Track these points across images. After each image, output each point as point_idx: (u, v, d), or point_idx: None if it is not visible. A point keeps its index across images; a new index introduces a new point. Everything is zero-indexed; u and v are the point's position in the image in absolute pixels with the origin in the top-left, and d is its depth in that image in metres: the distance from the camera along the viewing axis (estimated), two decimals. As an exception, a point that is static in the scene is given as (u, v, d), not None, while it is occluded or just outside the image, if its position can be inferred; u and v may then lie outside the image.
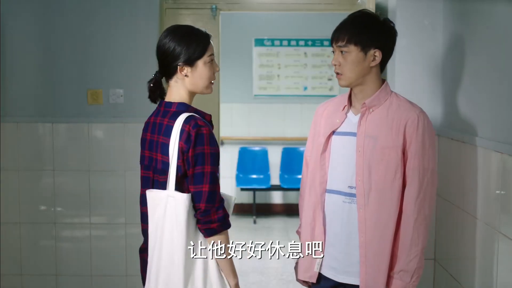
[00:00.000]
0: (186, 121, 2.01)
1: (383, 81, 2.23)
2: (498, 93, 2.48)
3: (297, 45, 6.83)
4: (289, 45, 6.85)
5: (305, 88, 6.85)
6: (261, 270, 4.00)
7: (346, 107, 2.23)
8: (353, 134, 2.16)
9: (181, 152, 2.01)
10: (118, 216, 3.76)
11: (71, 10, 3.68)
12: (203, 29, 2.15)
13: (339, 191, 2.20)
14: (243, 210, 6.92)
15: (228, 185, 6.86)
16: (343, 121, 2.21)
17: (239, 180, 6.82)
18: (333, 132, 2.22)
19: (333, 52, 2.20)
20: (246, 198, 6.94)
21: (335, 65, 2.18)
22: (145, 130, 2.22)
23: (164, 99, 2.19)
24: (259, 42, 6.83)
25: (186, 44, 2.08)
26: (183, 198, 1.99)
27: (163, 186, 2.07)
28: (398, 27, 3.24)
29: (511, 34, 2.35)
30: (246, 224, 6.46)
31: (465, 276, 2.82)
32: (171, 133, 2.03)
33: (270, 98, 6.95)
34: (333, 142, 2.22)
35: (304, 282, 2.33)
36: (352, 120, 2.21)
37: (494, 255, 2.46)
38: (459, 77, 2.98)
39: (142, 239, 3.94)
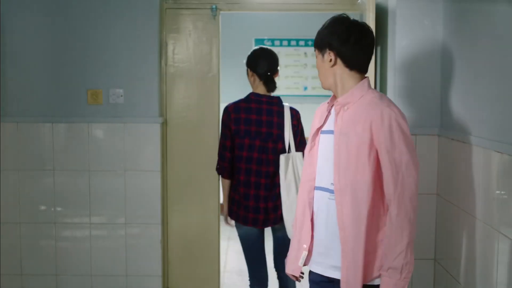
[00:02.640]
0: (291, 108, 3.20)
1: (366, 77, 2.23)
2: (498, 93, 2.48)
3: (297, 45, 6.83)
4: (289, 45, 6.85)
5: (305, 88, 6.86)
6: (261, 270, 4.05)
7: (330, 107, 2.26)
8: (333, 132, 2.18)
9: (293, 127, 3.16)
10: (118, 216, 3.76)
11: (72, 11, 3.68)
12: None
13: (325, 187, 2.21)
14: (243, 210, 6.92)
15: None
16: (327, 119, 2.25)
17: (239, 180, 6.84)
18: (320, 131, 2.25)
19: None
20: (246, 198, 6.94)
21: None
22: (246, 112, 3.16)
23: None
24: (259, 42, 6.83)
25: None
26: (300, 155, 3.13)
27: (273, 150, 3.12)
28: (398, 27, 3.25)
29: (511, 34, 2.35)
30: (246, 224, 6.47)
31: (465, 276, 2.82)
32: (284, 116, 3.15)
33: (270, 98, 6.94)
34: (320, 140, 2.25)
35: (292, 276, 2.35)
36: (333, 118, 2.23)
37: (494, 255, 2.46)
38: (460, 77, 2.99)
39: (142, 238, 3.96)
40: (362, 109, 2.12)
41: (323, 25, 2.21)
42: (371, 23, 3.15)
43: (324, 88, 2.24)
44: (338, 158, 2.12)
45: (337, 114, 2.16)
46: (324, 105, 2.33)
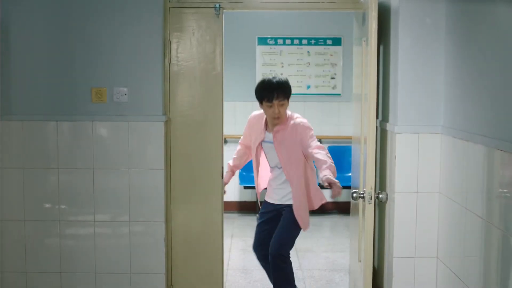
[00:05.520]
0: None
1: None
2: (501, 91, 2.48)
3: (300, 43, 6.84)
4: (292, 43, 6.85)
5: (308, 87, 6.86)
6: (264, 268, 4.06)
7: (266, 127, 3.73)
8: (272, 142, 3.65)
9: None
10: (122, 214, 3.78)
11: (76, 10, 3.69)
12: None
13: (274, 167, 3.76)
14: (246, 208, 6.94)
15: (232, 183, 6.80)
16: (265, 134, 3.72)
17: (242, 178, 6.84)
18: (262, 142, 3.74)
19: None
20: (249, 196, 6.96)
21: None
22: None
23: None
24: (262, 41, 6.84)
25: None
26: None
27: None
28: (401, 27, 3.26)
29: (514, 33, 2.36)
30: (249, 221, 6.47)
31: (468, 274, 2.83)
32: None
33: (273, 96, 6.93)
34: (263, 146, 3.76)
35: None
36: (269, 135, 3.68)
37: (497, 253, 2.48)
38: (462, 76, 2.99)
39: (146, 236, 3.99)
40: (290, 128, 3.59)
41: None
42: (373, 22, 3.16)
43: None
44: (280, 152, 3.63)
45: (276, 132, 3.63)
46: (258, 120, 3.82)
